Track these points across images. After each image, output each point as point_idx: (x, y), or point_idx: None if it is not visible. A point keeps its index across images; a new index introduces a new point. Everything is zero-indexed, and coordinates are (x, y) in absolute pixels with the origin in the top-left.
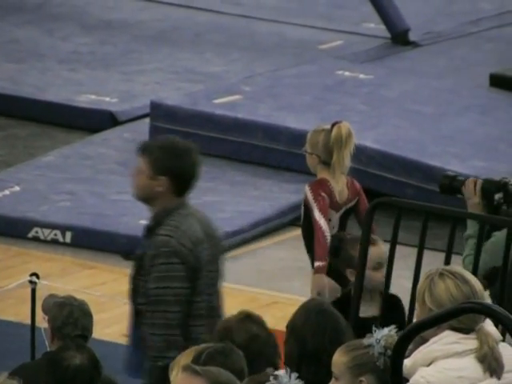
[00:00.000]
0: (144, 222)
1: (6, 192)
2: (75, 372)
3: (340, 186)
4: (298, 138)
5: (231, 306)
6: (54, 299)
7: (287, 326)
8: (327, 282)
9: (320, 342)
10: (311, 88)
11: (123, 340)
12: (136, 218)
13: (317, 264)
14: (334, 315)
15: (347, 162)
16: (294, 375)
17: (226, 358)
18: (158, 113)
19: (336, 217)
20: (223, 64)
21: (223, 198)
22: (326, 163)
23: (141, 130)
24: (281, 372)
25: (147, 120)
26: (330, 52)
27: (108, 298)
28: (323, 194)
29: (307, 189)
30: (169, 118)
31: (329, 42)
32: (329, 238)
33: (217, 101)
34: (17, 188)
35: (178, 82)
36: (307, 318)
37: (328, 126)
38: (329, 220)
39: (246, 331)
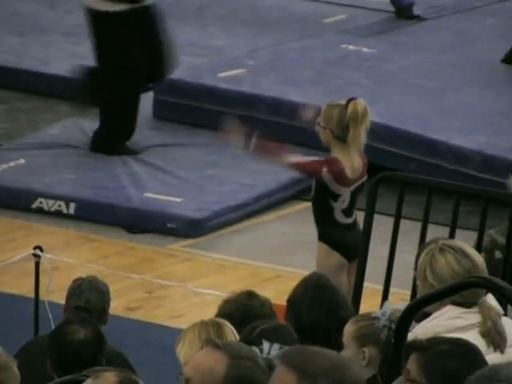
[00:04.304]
0: (148, 195)
1: (11, 164)
2: (79, 346)
3: (354, 162)
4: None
5: (234, 280)
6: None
7: (287, 300)
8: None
9: (315, 315)
10: (315, 62)
11: (126, 313)
12: (139, 191)
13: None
14: (331, 289)
15: (363, 139)
16: (276, 346)
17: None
18: (162, 86)
19: (347, 192)
20: (226, 38)
21: (226, 171)
22: (340, 138)
23: (144, 104)
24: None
25: (151, 93)
26: (334, 26)
27: (111, 272)
28: (324, 172)
29: (320, 157)
30: (172, 92)
31: (333, 15)
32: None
33: (220, 74)
34: (21, 160)
35: (181, 56)
36: (305, 292)
37: (343, 102)
38: (339, 195)
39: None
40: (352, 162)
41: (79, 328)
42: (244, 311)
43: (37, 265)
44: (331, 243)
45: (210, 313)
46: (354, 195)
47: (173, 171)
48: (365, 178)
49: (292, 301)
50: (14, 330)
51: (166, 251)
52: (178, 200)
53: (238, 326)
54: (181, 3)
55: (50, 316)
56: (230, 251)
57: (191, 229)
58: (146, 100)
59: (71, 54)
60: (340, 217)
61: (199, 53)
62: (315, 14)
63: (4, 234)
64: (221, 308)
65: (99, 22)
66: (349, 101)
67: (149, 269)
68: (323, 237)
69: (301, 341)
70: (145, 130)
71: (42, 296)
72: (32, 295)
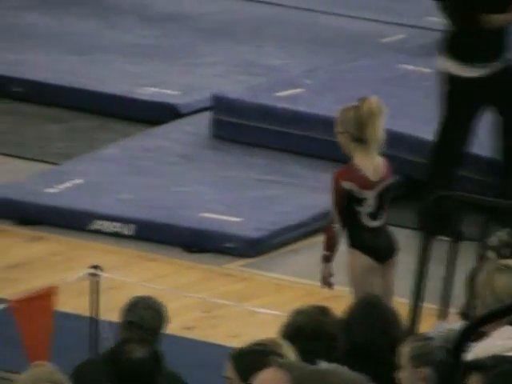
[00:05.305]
0: (206, 215)
1: (68, 184)
2: (136, 365)
3: (375, 162)
4: None
5: (292, 300)
6: None
7: (341, 321)
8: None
9: (368, 335)
10: (372, 81)
11: (183, 333)
12: (198, 211)
13: (323, 253)
14: (384, 308)
15: (381, 135)
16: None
17: None
18: (220, 106)
19: (371, 195)
20: (284, 57)
21: (284, 191)
22: (359, 139)
23: (202, 123)
24: None
25: (208, 113)
26: (392, 45)
27: (169, 291)
28: (344, 183)
29: (331, 179)
30: (230, 111)
31: (390, 35)
32: (336, 231)
33: (278, 94)
34: (78, 181)
35: (239, 75)
36: (357, 312)
37: (356, 103)
38: (364, 199)
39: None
40: (373, 162)
41: (137, 347)
42: (316, 326)
43: (94, 284)
44: (361, 248)
45: (266, 332)
46: (380, 198)
47: (231, 191)
48: (389, 180)
49: (346, 321)
50: (70, 349)
51: (223, 270)
52: (237, 220)
53: (309, 340)
54: (238, 22)
55: (107, 335)
56: (286, 271)
57: (250, 248)
58: (204, 119)
59: (129, 73)
60: (366, 220)
61: (256, 72)
62: (373, 34)
63: (62, 253)
64: (292, 318)
65: (452, 86)
66: (362, 100)
67: (206, 288)
68: (353, 242)
69: (354, 361)
70: (203, 149)
71: (99, 315)
72: (88, 314)
